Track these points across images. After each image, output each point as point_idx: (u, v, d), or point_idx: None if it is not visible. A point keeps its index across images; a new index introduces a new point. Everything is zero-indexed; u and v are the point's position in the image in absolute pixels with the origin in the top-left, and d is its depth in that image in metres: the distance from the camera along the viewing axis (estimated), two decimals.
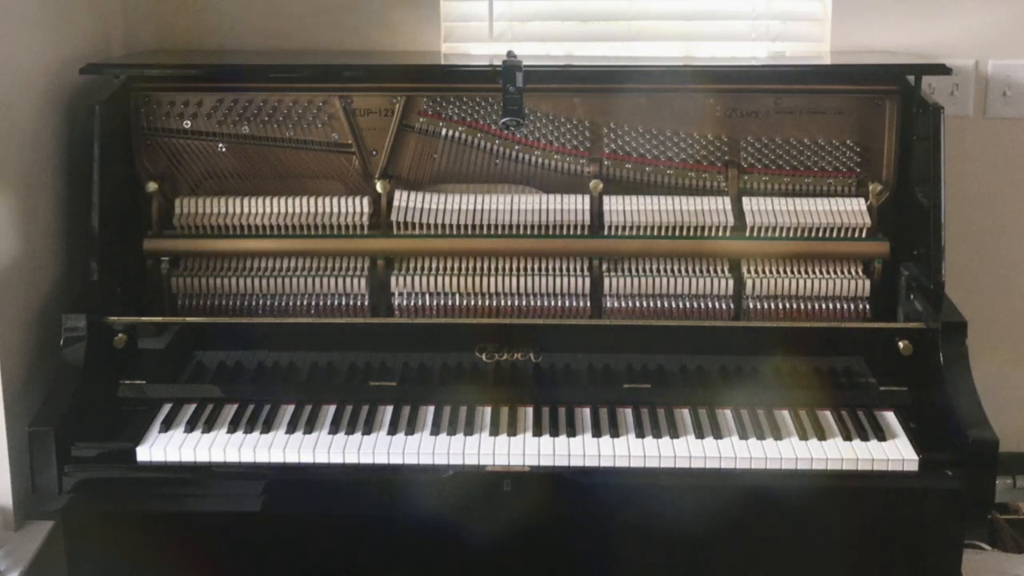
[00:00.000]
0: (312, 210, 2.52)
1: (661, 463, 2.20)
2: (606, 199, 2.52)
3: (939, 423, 2.23)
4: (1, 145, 2.29)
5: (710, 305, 2.48)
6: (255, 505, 2.23)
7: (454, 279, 2.49)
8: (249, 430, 2.26)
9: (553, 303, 2.48)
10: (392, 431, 2.27)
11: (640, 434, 2.25)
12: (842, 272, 2.49)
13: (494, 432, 2.26)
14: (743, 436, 2.24)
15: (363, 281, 2.50)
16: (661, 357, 2.35)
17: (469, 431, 2.26)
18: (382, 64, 2.68)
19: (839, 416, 2.30)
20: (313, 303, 2.49)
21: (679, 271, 2.49)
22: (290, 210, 2.52)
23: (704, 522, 2.30)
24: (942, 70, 2.47)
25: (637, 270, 2.49)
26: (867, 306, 2.47)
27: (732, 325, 2.44)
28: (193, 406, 2.33)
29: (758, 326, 2.43)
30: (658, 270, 2.50)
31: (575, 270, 2.49)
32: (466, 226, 2.50)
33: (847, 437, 2.23)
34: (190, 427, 2.26)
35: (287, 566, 2.45)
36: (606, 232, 2.50)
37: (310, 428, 2.27)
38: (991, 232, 2.87)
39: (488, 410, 2.32)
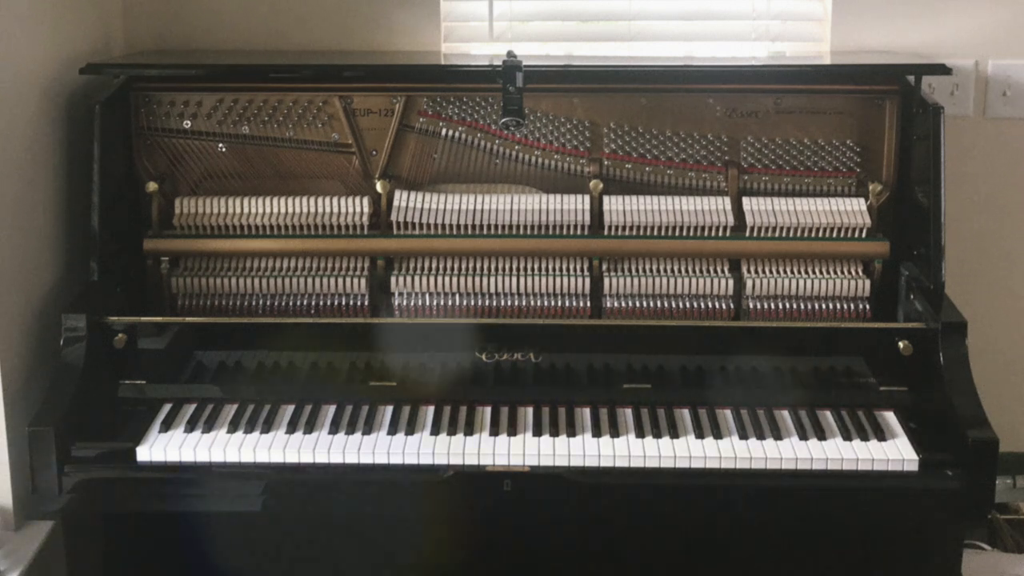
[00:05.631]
0: (312, 210, 2.52)
1: (661, 463, 2.20)
2: (606, 199, 2.52)
3: (939, 423, 2.23)
4: (1, 145, 2.29)
5: (710, 305, 2.48)
6: (255, 505, 2.23)
7: (454, 279, 2.49)
8: (249, 430, 2.26)
9: (553, 303, 2.48)
10: (392, 431, 2.27)
11: (640, 434, 2.25)
12: (842, 272, 2.49)
13: (494, 432, 2.26)
14: (743, 436, 2.24)
15: (363, 281, 2.50)
16: (661, 357, 2.35)
17: (469, 431, 2.26)
18: (382, 64, 2.68)
19: (839, 416, 2.30)
20: (313, 303, 2.49)
21: (679, 271, 2.49)
22: (290, 210, 2.52)
23: (704, 522, 2.31)
24: (942, 70, 2.47)
25: (637, 270, 2.50)
26: (867, 306, 2.47)
27: (732, 325, 2.44)
28: (193, 406, 2.33)
29: (758, 326, 2.43)
30: (658, 270, 2.50)
31: (575, 270, 2.49)
32: (466, 226, 2.50)
33: (847, 437, 2.23)
34: (190, 427, 2.26)
35: (287, 566, 2.45)
36: (606, 232, 2.50)
37: (310, 428, 2.27)
38: (991, 232, 2.87)
39: (488, 410, 2.32)
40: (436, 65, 2.73)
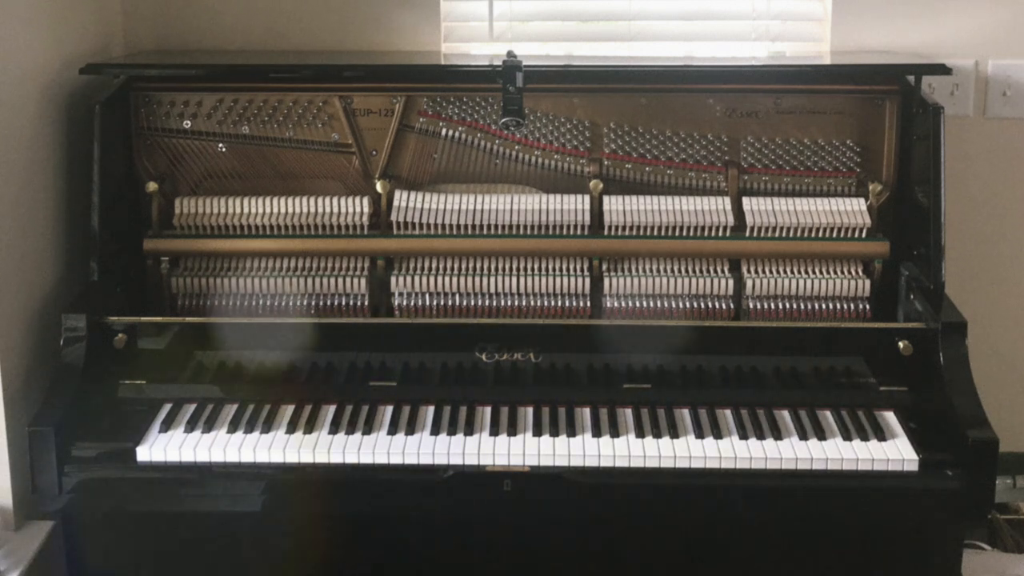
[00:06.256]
0: (312, 210, 2.52)
1: (661, 463, 2.20)
2: (606, 199, 2.52)
3: (939, 423, 2.23)
4: (1, 145, 2.29)
5: (710, 305, 2.48)
6: (255, 505, 2.23)
7: (454, 279, 2.49)
8: (249, 430, 2.26)
9: (553, 303, 2.48)
10: (392, 431, 2.27)
11: (640, 434, 2.25)
12: (842, 272, 2.49)
13: (494, 432, 2.26)
14: (743, 436, 2.24)
15: (363, 281, 2.50)
16: (661, 357, 2.35)
17: (469, 431, 2.26)
18: (382, 64, 2.68)
19: (839, 416, 2.30)
20: (313, 303, 2.49)
21: (679, 271, 2.49)
22: (290, 210, 2.52)
23: (704, 522, 2.31)
24: (942, 70, 2.47)
25: (637, 270, 2.50)
26: (867, 306, 2.47)
27: (732, 325, 2.44)
28: (193, 406, 2.33)
29: (758, 326, 2.43)
30: (658, 270, 2.50)
31: (575, 270, 2.49)
32: (466, 226, 2.50)
33: (847, 437, 2.23)
34: (190, 427, 2.26)
35: (287, 566, 2.45)
36: (606, 232, 2.50)
37: (310, 428, 2.27)
38: (991, 232, 2.87)
39: (488, 410, 2.32)
40: (436, 65, 2.73)
